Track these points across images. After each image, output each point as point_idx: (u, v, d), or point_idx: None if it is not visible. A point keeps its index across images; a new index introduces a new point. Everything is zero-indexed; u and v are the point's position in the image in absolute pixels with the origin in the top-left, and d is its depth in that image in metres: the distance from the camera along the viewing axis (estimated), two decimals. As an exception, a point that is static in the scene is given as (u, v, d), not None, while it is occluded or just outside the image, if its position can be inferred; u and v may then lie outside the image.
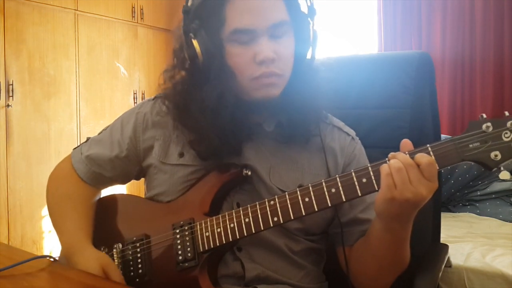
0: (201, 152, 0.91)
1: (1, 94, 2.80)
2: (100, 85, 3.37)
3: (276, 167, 0.92)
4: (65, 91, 3.15)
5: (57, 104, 3.10)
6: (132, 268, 0.91)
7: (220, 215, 0.86)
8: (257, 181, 0.91)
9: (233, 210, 0.85)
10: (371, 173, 0.75)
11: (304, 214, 0.79)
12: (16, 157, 2.88)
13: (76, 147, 1.08)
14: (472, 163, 0.71)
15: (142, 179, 1.05)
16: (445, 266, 1.20)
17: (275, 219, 0.81)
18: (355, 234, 0.92)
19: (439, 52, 3.21)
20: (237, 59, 0.85)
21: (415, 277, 0.97)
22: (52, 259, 0.90)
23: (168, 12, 3.79)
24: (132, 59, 3.62)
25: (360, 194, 0.76)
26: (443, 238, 1.33)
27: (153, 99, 1.02)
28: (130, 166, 1.02)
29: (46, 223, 2.98)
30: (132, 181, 1.08)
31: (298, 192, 0.80)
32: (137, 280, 0.90)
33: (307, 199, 0.79)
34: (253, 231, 0.82)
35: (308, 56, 0.91)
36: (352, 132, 1.00)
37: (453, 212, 2.63)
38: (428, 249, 1.17)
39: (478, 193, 2.60)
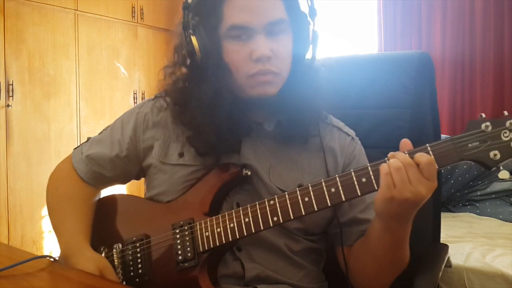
0: (199, 148, 0.91)
1: (1, 94, 2.80)
2: (100, 85, 3.38)
3: (276, 167, 0.92)
4: (65, 91, 3.15)
5: (57, 104, 3.10)
6: (132, 268, 0.91)
7: (220, 215, 0.86)
8: (257, 181, 0.91)
9: (233, 210, 0.85)
10: (371, 173, 0.75)
11: (304, 214, 0.80)
12: (16, 157, 2.88)
13: (76, 147, 1.08)
14: (472, 163, 0.71)
15: (142, 179, 1.05)
16: (445, 266, 1.20)
17: (275, 219, 0.81)
18: (355, 234, 0.92)
19: (439, 52, 3.21)
20: (234, 56, 0.85)
21: (415, 277, 0.97)
22: (52, 259, 0.90)
23: (168, 12, 3.79)
24: (132, 59, 3.62)
25: (359, 194, 0.76)
26: (443, 238, 1.33)
27: (154, 99, 1.02)
28: (130, 166, 1.02)
29: (46, 223, 2.98)
30: (132, 181, 1.08)
31: (298, 192, 0.80)
32: (137, 280, 0.90)
33: (306, 199, 0.79)
34: (253, 231, 0.83)
35: (309, 56, 0.92)
36: (352, 133, 1.00)
37: (453, 212, 2.62)
38: (428, 249, 1.17)
39: (478, 193, 2.60)
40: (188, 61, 0.90)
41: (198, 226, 0.87)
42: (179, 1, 0.90)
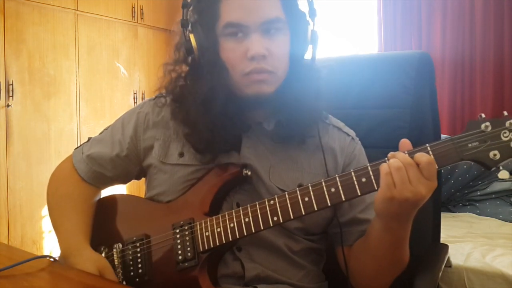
0: (196, 144, 0.92)
1: (1, 94, 2.80)
2: (100, 85, 3.38)
3: (276, 167, 0.92)
4: (65, 91, 3.15)
5: (57, 104, 3.10)
6: (132, 268, 0.91)
7: (220, 215, 0.86)
8: (256, 181, 0.91)
9: (233, 210, 0.85)
10: (371, 173, 0.75)
11: (303, 213, 0.80)
12: (16, 157, 2.88)
13: (77, 147, 1.08)
14: (472, 163, 0.71)
15: (143, 179, 1.05)
16: (445, 266, 1.20)
17: (275, 218, 0.81)
18: (355, 234, 0.92)
19: (439, 52, 3.22)
20: (229, 54, 0.86)
21: (415, 277, 0.97)
22: (52, 259, 0.90)
23: (168, 12, 3.79)
24: (132, 59, 3.62)
25: (359, 194, 0.76)
26: (443, 238, 1.33)
27: (154, 99, 1.02)
28: (131, 165, 1.02)
29: (46, 223, 2.98)
30: (132, 181, 1.08)
31: (298, 192, 0.80)
32: (137, 280, 0.90)
33: (306, 199, 0.79)
34: (253, 231, 0.83)
35: (308, 56, 0.92)
36: (352, 133, 1.00)
37: (453, 212, 2.62)
38: (428, 249, 1.17)
39: (478, 193, 2.60)
40: (187, 59, 0.91)
41: (198, 226, 0.87)
42: (179, 1, 0.91)
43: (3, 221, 2.81)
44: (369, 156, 0.97)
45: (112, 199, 1.04)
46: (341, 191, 0.77)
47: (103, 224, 1.01)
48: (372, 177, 0.75)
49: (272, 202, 0.82)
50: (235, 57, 0.85)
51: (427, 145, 0.73)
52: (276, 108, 0.91)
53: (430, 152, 0.72)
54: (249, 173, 0.90)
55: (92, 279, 0.85)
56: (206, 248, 0.85)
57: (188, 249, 0.86)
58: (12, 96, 2.85)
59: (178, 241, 0.87)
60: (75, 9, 3.19)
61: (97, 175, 1.03)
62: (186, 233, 0.87)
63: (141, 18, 3.65)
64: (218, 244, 0.84)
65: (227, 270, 0.89)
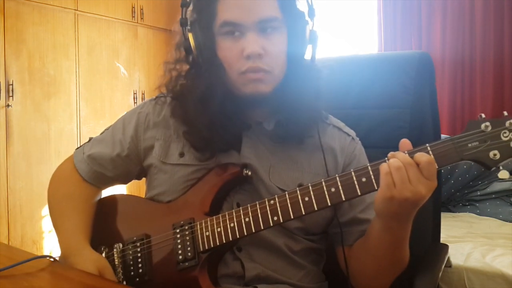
0: (194, 142, 0.92)
1: (1, 94, 2.81)
2: (100, 85, 3.38)
3: (276, 167, 0.92)
4: (65, 91, 3.15)
5: (57, 104, 3.11)
6: (132, 268, 0.91)
7: (220, 215, 0.86)
8: (257, 181, 0.91)
9: (233, 210, 0.85)
10: (371, 172, 0.75)
11: (304, 213, 0.80)
12: (16, 157, 2.88)
13: (78, 147, 1.08)
14: (472, 163, 0.71)
15: (143, 179, 1.05)
16: (445, 266, 1.20)
17: (275, 218, 0.81)
18: (355, 234, 0.92)
19: (439, 52, 3.22)
20: (226, 53, 0.86)
21: (415, 277, 0.97)
22: (52, 259, 0.90)
23: (168, 12, 3.79)
24: (132, 59, 3.62)
25: (359, 193, 0.76)
26: (443, 238, 1.33)
27: (155, 99, 1.02)
28: (131, 165, 1.02)
29: (46, 223, 2.98)
30: (132, 181, 1.08)
31: (298, 192, 0.80)
32: (137, 279, 0.90)
33: (307, 199, 0.79)
34: (253, 231, 0.83)
35: (308, 56, 0.91)
36: (352, 133, 1.00)
37: (453, 212, 2.62)
38: (428, 249, 1.17)
39: (478, 193, 2.60)
40: (185, 58, 0.92)
41: (198, 226, 0.87)
42: (179, 1, 0.91)
43: (3, 221, 2.81)
44: (369, 156, 0.97)
45: (112, 199, 1.04)
46: (341, 191, 0.77)
47: (103, 224, 1.01)
48: (372, 177, 0.75)
49: (272, 202, 0.82)
50: (232, 56, 0.86)
51: (427, 145, 0.73)
52: (276, 108, 0.91)
53: (430, 152, 0.72)
54: (250, 173, 0.90)
55: (92, 279, 0.85)
56: (206, 248, 0.85)
57: (188, 249, 0.86)
58: (12, 96, 2.85)
59: (179, 241, 0.87)
60: (75, 9, 3.19)
61: (98, 175, 1.03)
62: (187, 233, 0.87)
63: (141, 18, 3.65)
64: (218, 244, 0.84)
65: (227, 270, 0.89)
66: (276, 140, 0.93)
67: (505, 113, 0.69)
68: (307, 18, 0.90)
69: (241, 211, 0.84)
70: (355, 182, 0.76)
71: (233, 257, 0.90)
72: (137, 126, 1.00)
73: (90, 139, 1.08)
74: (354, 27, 3.74)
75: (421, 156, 0.71)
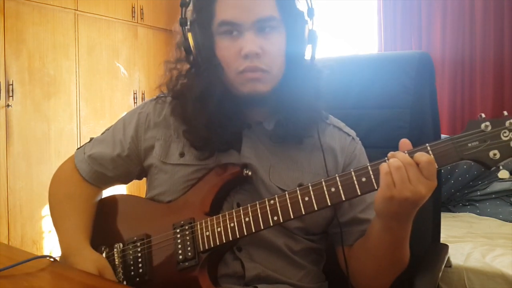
0: (193, 141, 0.92)
1: (1, 94, 2.81)
2: (100, 85, 3.38)
3: (276, 167, 0.92)
4: (65, 91, 3.15)
5: (57, 104, 3.11)
6: (132, 268, 0.91)
7: (220, 215, 0.86)
8: (257, 181, 0.91)
9: (233, 210, 0.85)
10: (371, 172, 0.75)
11: (304, 213, 0.80)
12: (16, 157, 2.88)
13: (79, 148, 1.08)
14: (472, 163, 0.71)
15: (144, 179, 1.06)
16: (445, 266, 1.20)
17: (275, 218, 0.81)
18: (355, 234, 0.92)
19: (439, 52, 3.22)
20: (225, 52, 0.86)
21: (415, 277, 0.97)
22: (52, 259, 0.90)
23: (168, 12, 3.79)
24: (132, 59, 3.62)
25: (359, 193, 0.76)
26: (443, 238, 1.33)
27: (155, 99, 1.02)
28: (132, 165, 1.02)
29: (46, 223, 2.98)
30: (133, 181, 1.08)
31: (298, 192, 0.80)
32: (138, 279, 0.90)
33: (307, 198, 0.79)
34: (253, 230, 0.83)
35: (308, 56, 0.91)
36: (352, 133, 1.00)
37: (453, 212, 2.62)
38: (428, 249, 1.17)
39: (478, 193, 2.60)
40: (185, 57, 0.92)
41: (198, 226, 0.87)
42: (179, 1, 0.91)
43: (3, 221, 2.81)
44: (369, 156, 0.97)
45: (113, 199, 1.04)
46: (341, 191, 0.77)
47: (104, 224, 1.01)
48: (372, 176, 0.75)
49: (272, 201, 0.82)
50: (230, 55, 0.86)
51: (427, 144, 0.73)
52: (275, 108, 0.91)
53: (430, 152, 0.72)
54: (250, 173, 0.90)
55: (92, 279, 0.85)
56: (207, 247, 0.85)
57: (189, 248, 0.86)
58: (12, 96, 2.85)
59: (179, 240, 0.87)
60: (75, 9, 3.19)
61: (99, 175, 1.03)
62: (187, 232, 0.87)
63: (141, 18, 3.65)
64: (218, 243, 0.84)
65: (227, 269, 0.89)
66: (276, 140, 0.93)
67: (505, 113, 0.69)
68: (306, 17, 0.90)
69: (241, 211, 0.84)
70: (355, 182, 0.76)
71: (233, 257, 0.90)
72: (137, 127, 1.00)
73: (91, 139, 1.08)
74: (354, 27, 3.74)
75: (421, 156, 0.71)
